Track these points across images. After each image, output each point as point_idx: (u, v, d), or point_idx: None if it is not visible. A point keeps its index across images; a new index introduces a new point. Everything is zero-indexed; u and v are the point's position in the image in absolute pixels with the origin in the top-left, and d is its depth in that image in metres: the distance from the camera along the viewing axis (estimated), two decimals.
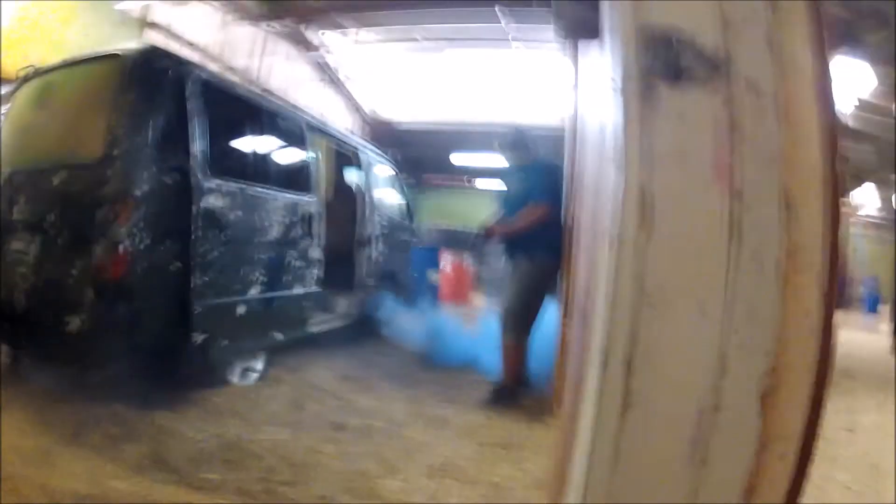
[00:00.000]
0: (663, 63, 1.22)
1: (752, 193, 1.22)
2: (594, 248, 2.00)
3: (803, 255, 1.25)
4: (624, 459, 1.26)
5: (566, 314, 5.46)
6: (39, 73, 5.66)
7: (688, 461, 1.25)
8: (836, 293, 1.27)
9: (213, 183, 5.02)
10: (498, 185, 6.97)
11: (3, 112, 5.99)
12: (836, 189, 1.28)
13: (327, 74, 16.89)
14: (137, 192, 4.49)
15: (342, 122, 18.11)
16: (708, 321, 1.21)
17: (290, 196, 6.14)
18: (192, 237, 4.76)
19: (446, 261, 15.68)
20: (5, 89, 6.59)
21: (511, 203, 6.49)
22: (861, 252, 26.20)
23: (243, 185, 5.43)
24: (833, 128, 1.30)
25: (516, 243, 6.40)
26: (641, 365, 1.22)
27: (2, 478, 3.39)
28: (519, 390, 6.30)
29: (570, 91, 5.41)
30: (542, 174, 6.37)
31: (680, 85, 1.22)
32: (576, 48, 4.61)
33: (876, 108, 13.60)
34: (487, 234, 6.59)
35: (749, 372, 1.23)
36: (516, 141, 6.63)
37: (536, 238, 6.19)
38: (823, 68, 1.31)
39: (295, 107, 7.08)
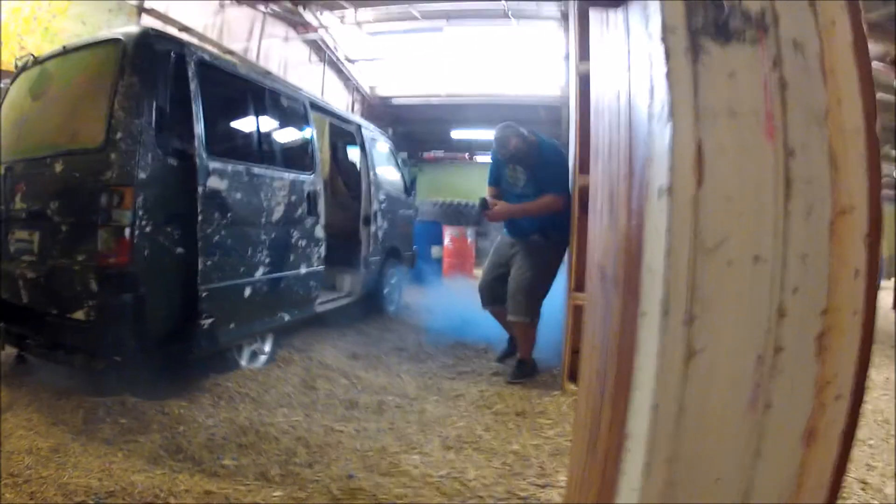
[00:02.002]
0: (714, 24, 1.24)
1: (803, 151, 1.24)
2: (611, 213, 2.03)
3: (850, 207, 1.27)
4: (689, 410, 1.27)
5: (575, 287, 5.46)
6: (37, 61, 5.57)
7: (751, 406, 1.27)
8: (879, 241, 1.29)
9: (217, 164, 4.97)
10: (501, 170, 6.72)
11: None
12: (877, 145, 1.29)
13: (325, 54, 16.78)
14: (141, 176, 4.43)
15: (341, 100, 18.06)
16: (763, 268, 1.23)
17: (292, 175, 6.09)
18: (198, 219, 4.70)
19: (449, 235, 15.71)
20: (3, 82, 6.51)
21: (521, 190, 6.40)
22: None
23: (246, 166, 5.38)
24: (871, 86, 1.31)
25: (529, 222, 6.34)
26: (702, 313, 1.24)
27: (19, 481, 3.38)
28: (535, 364, 6.36)
29: (578, 63, 5.39)
30: (555, 164, 6.29)
31: (731, 45, 1.25)
32: (586, 20, 4.65)
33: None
34: (493, 213, 6.39)
35: (805, 315, 1.25)
36: (525, 137, 6.44)
37: (552, 218, 6.17)
38: (859, 29, 1.33)
39: (295, 86, 7.00)
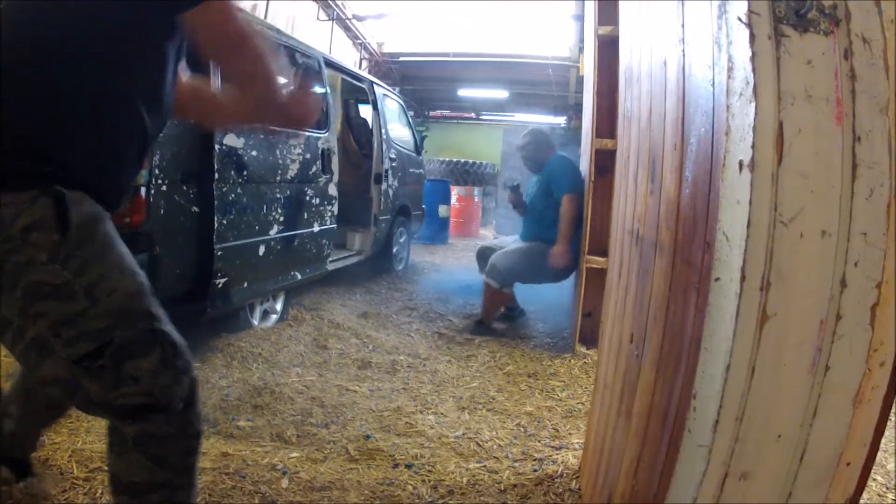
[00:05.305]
0: (794, 14, 1.33)
1: (867, 137, 1.33)
2: (652, 180, 2.11)
3: None
4: (759, 371, 1.37)
5: (590, 251, 5.45)
6: None
7: (812, 368, 1.37)
8: None
9: None
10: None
11: None
12: None
13: (334, 11, 16.64)
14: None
15: (349, 58, 17.94)
16: (829, 242, 1.33)
17: (305, 133, 6.04)
18: (215, 178, 4.67)
19: (456, 194, 15.72)
20: None
21: (537, 200, 6.49)
22: None
23: None
24: None
25: (543, 230, 6.38)
26: (776, 281, 1.34)
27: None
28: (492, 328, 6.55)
29: (598, 26, 5.37)
30: (564, 168, 6.39)
31: (808, 34, 1.33)
32: None
33: None
34: (564, 256, 6.19)
35: (863, 286, 1.34)
36: (540, 144, 6.53)
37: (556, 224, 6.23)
38: None
39: (308, 44, 6.93)
